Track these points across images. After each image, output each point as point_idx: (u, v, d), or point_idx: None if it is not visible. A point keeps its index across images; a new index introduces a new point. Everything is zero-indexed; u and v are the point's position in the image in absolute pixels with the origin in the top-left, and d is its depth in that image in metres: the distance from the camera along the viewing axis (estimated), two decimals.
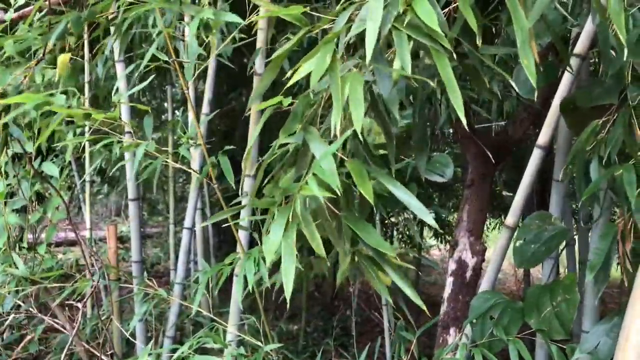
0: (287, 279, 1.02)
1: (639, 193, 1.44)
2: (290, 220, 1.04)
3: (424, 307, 1.19)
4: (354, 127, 0.95)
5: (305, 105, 1.14)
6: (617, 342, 1.51)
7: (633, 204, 1.42)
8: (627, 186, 1.42)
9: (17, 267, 2.17)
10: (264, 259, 1.44)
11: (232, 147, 1.78)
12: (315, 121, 1.17)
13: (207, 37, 1.77)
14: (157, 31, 1.74)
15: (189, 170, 2.19)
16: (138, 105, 1.94)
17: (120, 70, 2.75)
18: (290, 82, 1.05)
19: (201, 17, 1.54)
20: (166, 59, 1.74)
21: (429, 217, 1.06)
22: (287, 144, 1.50)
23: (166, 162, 1.82)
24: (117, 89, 1.96)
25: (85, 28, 2.99)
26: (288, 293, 1.02)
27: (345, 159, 1.10)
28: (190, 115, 1.99)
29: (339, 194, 1.00)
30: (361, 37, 1.01)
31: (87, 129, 2.64)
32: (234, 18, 1.59)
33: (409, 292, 1.16)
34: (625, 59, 1.29)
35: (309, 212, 1.09)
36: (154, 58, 1.75)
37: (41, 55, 1.90)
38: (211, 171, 1.82)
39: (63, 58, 1.82)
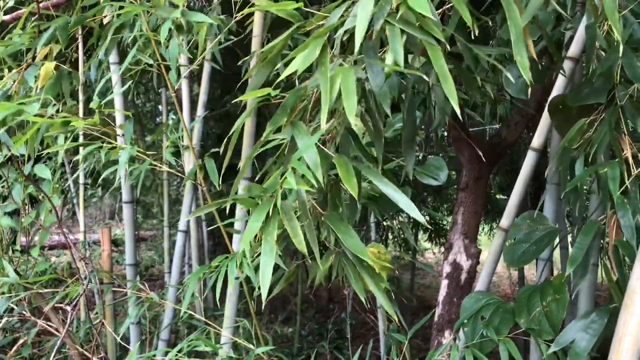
0: (265, 279, 1.00)
1: (622, 190, 1.44)
2: (270, 214, 1.02)
3: (395, 317, 1.18)
4: (347, 117, 0.94)
5: (296, 100, 1.13)
6: (594, 337, 1.52)
7: (616, 199, 1.42)
8: (611, 182, 1.42)
9: (8, 275, 2.16)
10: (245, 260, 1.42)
11: (217, 150, 1.78)
12: (305, 117, 1.16)
13: (189, 40, 1.76)
14: (137, 35, 1.74)
15: (181, 174, 2.19)
16: (123, 112, 1.93)
17: (113, 72, 2.75)
18: (282, 76, 1.05)
19: (173, 19, 1.54)
20: (151, 62, 1.74)
21: (417, 214, 1.04)
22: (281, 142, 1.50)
23: (155, 165, 1.82)
24: (102, 93, 1.96)
25: (80, 30, 2.99)
26: (265, 291, 1.00)
27: (333, 155, 1.09)
28: (182, 118, 1.99)
29: (323, 189, 0.99)
30: (354, 34, 1.01)
31: (81, 131, 2.64)
32: (202, 18, 1.60)
33: (382, 300, 1.14)
34: (620, 54, 1.29)
35: (292, 208, 1.07)
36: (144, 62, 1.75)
37: (30, 59, 1.90)
38: (200, 174, 1.82)
39: (47, 67, 1.81)
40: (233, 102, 1.23)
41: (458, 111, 0.93)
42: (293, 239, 1.03)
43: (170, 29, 1.58)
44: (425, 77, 1.04)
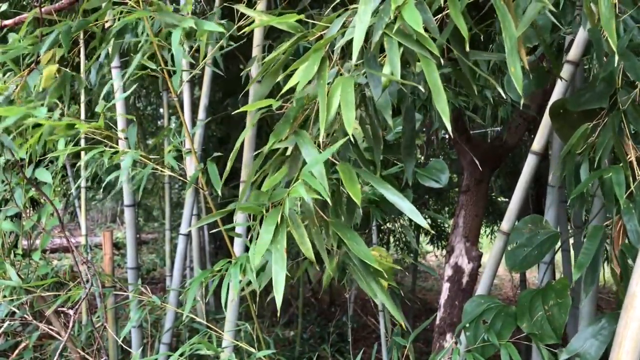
0: (278, 286, 1.02)
1: (628, 194, 1.44)
2: (279, 223, 1.04)
3: (402, 322, 1.18)
4: (346, 129, 0.95)
5: (298, 109, 1.14)
6: (604, 344, 1.51)
7: (622, 204, 1.42)
8: (616, 187, 1.42)
9: (10, 278, 2.16)
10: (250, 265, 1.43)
11: (219, 154, 1.79)
12: (307, 125, 1.17)
13: (191, 46, 1.76)
14: (144, 39, 1.74)
15: (183, 178, 2.19)
16: (124, 115, 1.92)
17: (115, 76, 2.75)
18: (284, 89, 1.06)
19: (184, 27, 1.55)
20: (154, 67, 1.75)
21: (420, 219, 1.05)
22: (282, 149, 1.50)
23: (157, 169, 1.82)
24: (105, 97, 1.97)
25: (81, 34, 2.99)
26: (279, 300, 1.02)
27: (336, 162, 1.10)
28: (185, 121, 2.00)
29: (328, 199, 1.00)
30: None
31: (82, 135, 2.65)
32: (214, 27, 1.61)
33: (389, 306, 1.15)
34: (616, 64, 1.30)
35: (299, 215, 1.08)
36: (145, 66, 1.76)
37: (34, 64, 1.90)
38: (201, 178, 1.82)
39: (49, 70, 1.81)
40: (235, 112, 1.24)
41: (449, 127, 0.93)
42: (301, 247, 1.04)
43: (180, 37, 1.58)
44: (420, 87, 1.04)
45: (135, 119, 2.13)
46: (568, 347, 1.55)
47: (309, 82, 1.07)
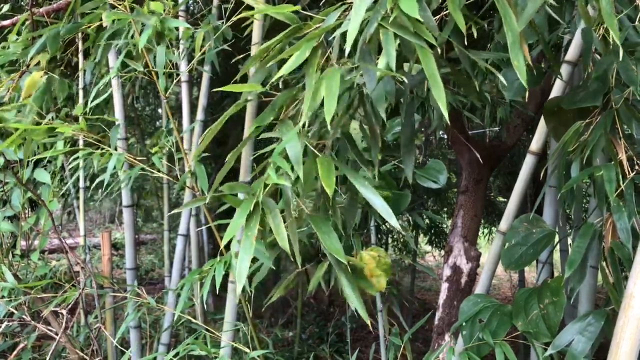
0: (241, 273, 0.99)
1: (618, 192, 1.44)
2: (251, 210, 1.02)
3: (368, 321, 1.18)
4: (326, 117, 0.94)
5: (285, 99, 1.13)
6: (591, 340, 1.51)
7: (612, 201, 1.42)
8: (607, 184, 1.42)
9: (6, 280, 2.16)
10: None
11: (208, 154, 1.80)
12: (297, 117, 1.16)
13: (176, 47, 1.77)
14: (128, 41, 1.75)
15: (178, 179, 2.19)
16: (108, 117, 1.93)
17: (113, 80, 2.75)
18: (275, 77, 1.05)
19: (153, 25, 1.56)
20: (141, 68, 1.75)
21: (394, 220, 1.04)
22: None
23: (149, 170, 1.82)
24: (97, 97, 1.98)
25: (80, 34, 2.99)
26: (239, 290, 0.99)
27: (319, 154, 1.09)
28: (174, 124, 2.00)
29: (294, 177, 0.98)
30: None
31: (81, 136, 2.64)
32: (180, 24, 1.62)
33: (357, 305, 1.14)
34: (620, 58, 1.29)
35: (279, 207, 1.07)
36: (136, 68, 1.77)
37: (25, 67, 1.91)
38: (193, 179, 1.82)
39: (32, 78, 1.81)
40: (217, 90, 1.23)
41: (446, 116, 0.93)
42: (276, 237, 1.02)
43: (157, 36, 1.60)
44: (405, 79, 1.04)
45: (117, 122, 2.13)
46: (554, 342, 1.54)
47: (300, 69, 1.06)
